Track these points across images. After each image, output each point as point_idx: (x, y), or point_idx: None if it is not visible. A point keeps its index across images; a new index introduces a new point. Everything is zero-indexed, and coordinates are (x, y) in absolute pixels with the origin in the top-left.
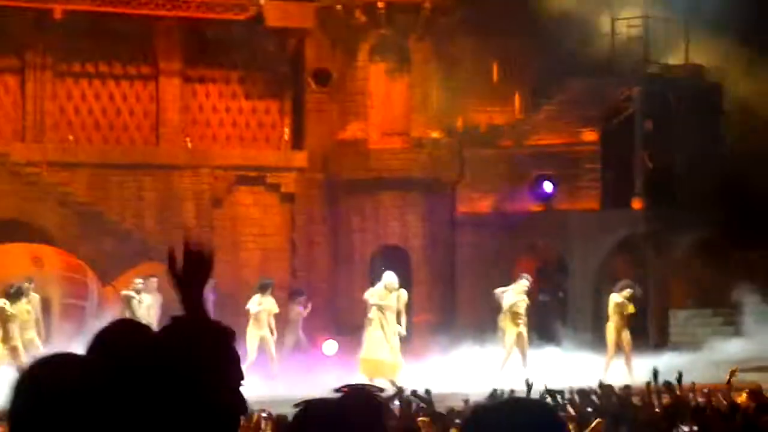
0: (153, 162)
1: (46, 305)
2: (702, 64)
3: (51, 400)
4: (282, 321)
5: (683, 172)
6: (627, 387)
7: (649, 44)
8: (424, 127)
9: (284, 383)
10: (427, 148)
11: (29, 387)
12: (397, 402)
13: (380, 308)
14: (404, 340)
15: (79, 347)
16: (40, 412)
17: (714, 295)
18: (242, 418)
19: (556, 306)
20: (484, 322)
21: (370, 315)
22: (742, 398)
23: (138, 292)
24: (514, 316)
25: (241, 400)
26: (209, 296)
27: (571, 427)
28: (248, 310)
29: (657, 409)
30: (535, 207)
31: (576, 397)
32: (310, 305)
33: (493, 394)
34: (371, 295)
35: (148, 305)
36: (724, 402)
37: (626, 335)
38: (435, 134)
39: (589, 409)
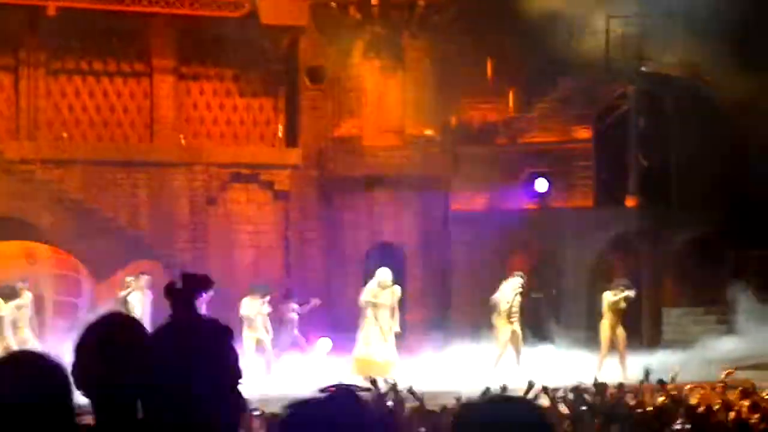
0: (147, 159)
1: (39, 303)
2: (696, 62)
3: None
4: (277, 320)
5: (677, 170)
6: (621, 385)
7: (644, 42)
8: (418, 125)
9: (279, 382)
10: (421, 146)
11: None
12: (390, 401)
13: (374, 305)
14: (398, 338)
15: (72, 344)
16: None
17: (707, 294)
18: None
19: (549, 304)
20: (477, 319)
21: (365, 313)
22: (735, 396)
23: (129, 291)
24: (509, 314)
25: (239, 399)
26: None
27: (565, 425)
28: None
29: (650, 408)
30: (528, 204)
31: (569, 396)
32: (315, 301)
33: (486, 392)
34: (366, 292)
35: (139, 301)
36: (717, 400)
37: (621, 333)
38: (429, 132)
39: (583, 408)
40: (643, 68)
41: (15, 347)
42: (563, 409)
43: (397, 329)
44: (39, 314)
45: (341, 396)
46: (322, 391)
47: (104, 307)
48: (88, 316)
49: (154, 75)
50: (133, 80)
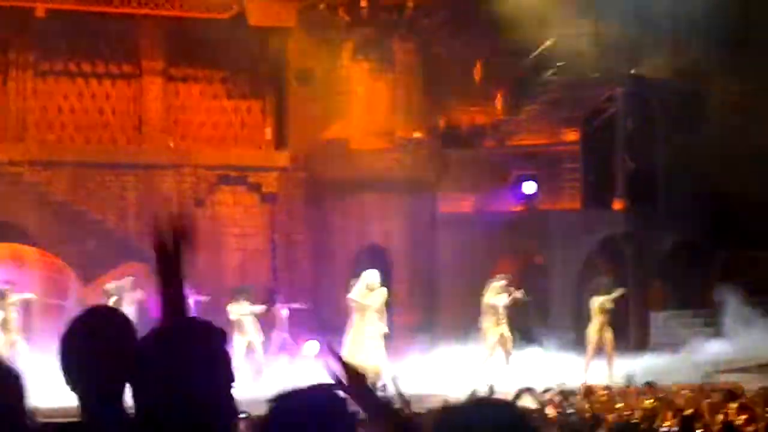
0: (135, 161)
1: (26, 305)
2: (684, 65)
3: None
4: (267, 323)
5: (664, 173)
6: (607, 388)
7: (632, 45)
8: (407, 127)
9: (267, 384)
10: (409, 148)
11: None
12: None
13: (362, 308)
14: (386, 340)
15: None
16: None
17: (694, 296)
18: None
19: (537, 306)
20: (465, 322)
21: (353, 316)
22: (722, 399)
23: (109, 295)
24: (496, 316)
25: (232, 402)
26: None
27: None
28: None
29: (637, 410)
30: (516, 207)
31: (556, 398)
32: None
33: (472, 394)
34: (353, 295)
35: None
36: (704, 402)
37: (608, 335)
38: (417, 134)
39: (570, 410)
40: (631, 71)
41: (4, 350)
42: (551, 411)
43: (386, 330)
44: (26, 317)
45: (320, 393)
46: (301, 390)
47: None
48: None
49: (142, 77)
50: (122, 82)
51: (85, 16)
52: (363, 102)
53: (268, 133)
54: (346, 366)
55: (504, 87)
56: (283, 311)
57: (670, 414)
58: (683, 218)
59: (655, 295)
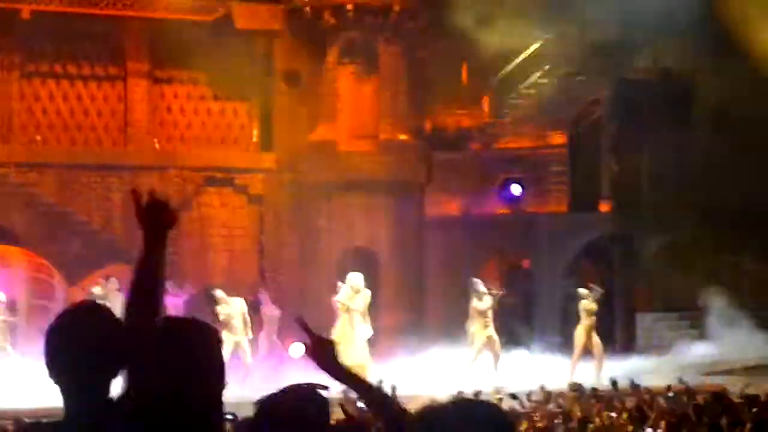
0: (121, 163)
1: (12, 306)
2: (671, 67)
3: None
4: (256, 324)
5: (651, 175)
6: (594, 389)
7: (618, 48)
8: (393, 130)
9: (254, 386)
10: (395, 151)
11: None
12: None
13: (348, 310)
14: (372, 342)
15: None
16: None
17: (680, 299)
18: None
19: (523, 309)
20: (452, 324)
21: (338, 318)
22: (708, 401)
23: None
24: (482, 319)
25: (220, 404)
26: (180, 295)
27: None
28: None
29: (623, 413)
30: (503, 210)
31: (542, 400)
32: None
33: (457, 396)
34: (339, 298)
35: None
36: (690, 404)
37: (595, 338)
38: (403, 137)
39: (555, 412)
40: (617, 74)
41: None
42: (536, 414)
43: (370, 333)
44: (12, 317)
45: (303, 393)
46: (284, 390)
47: None
48: None
49: (128, 78)
50: (107, 84)
51: (71, 18)
52: (349, 105)
53: (255, 135)
54: (315, 337)
55: (490, 90)
56: (268, 313)
57: (655, 416)
58: (670, 221)
59: (641, 298)
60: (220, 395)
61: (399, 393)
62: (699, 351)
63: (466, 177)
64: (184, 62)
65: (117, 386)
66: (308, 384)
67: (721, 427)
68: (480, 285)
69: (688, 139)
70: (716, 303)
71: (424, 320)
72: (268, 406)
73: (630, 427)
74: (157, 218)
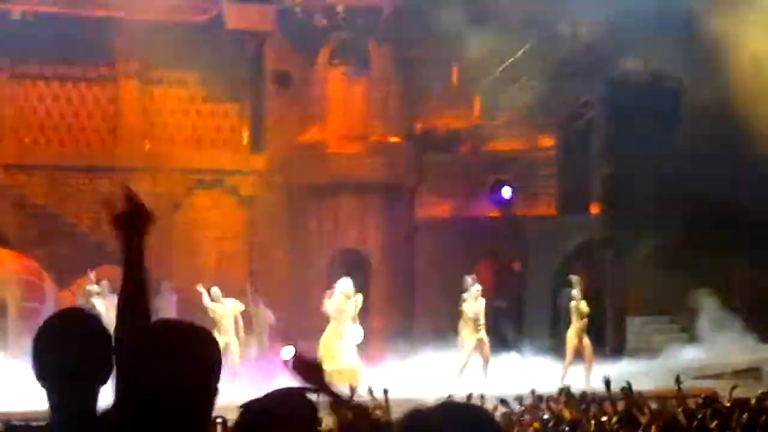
0: (111, 165)
1: (2, 308)
2: (661, 69)
3: None
4: (246, 326)
5: (641, 178)
6: (584, 394)
7: (608, 50)
8: (383, 132)
9: (244, 389)
10: (385, 153)
11: None
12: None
13: (339, 315)
14: (362, 346)
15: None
16: None
17: (671, 302)
18: None
19: (513, 312)
20: (442, 327)
21: (329, 324)
22: (698, 405)
23: (93, 295)
24: (474, 322)
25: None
26: (171, 297)
27: None
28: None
29: (614, 416)
30: (493, 212)
31: (533, 404)
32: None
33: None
34: (331, 304)
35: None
36: (680, 409)
37: (586, 341)
38: (394, 139)
39: (546, 416)
40: (606, 75)
41: None
42: (526, 418)
43: (360, 336)
44: (2, 320)
45: (290, 397)
46: (271, 393)
47: None
48: None
49: (118, 80)
50: (98, 85)
51: (61, 19)
52: (340, 106)
53: (245, 136)
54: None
55: (480, 92)
56: (267, 314)
57: (645, 420)
58: (660, 224)
59: (631, 301)
60: (212, 401)
61: (390, 397)
62: (689, 354)
63: (456, 179)
64: (174, 63)
65: (107, 394)
66: (297, 388)
67: (710, 430)
68: (473, 284)
69: (678, 141)
70: (706, 306)
71: (415, 323)
72: (253, 410)
73: (620, 431)
74: (133, 223)
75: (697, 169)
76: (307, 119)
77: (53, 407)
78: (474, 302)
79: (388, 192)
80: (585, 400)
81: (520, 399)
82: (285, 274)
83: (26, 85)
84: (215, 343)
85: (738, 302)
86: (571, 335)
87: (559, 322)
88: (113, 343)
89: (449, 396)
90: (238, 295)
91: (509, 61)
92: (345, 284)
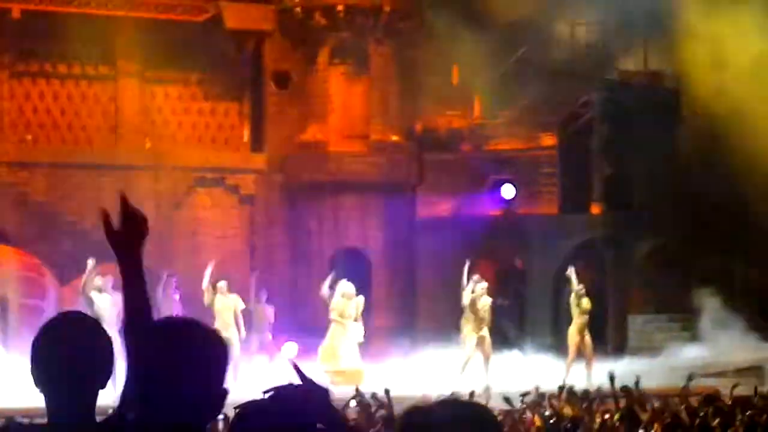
0: (112, 163)
1: (4, 305)
2: (660, 69)
3: None
4: (246, 323)
5: (641, 177)
6: (586, 391)
7: (608, 49)
8: (384, 131)
9: (245, 386)
10: (386, 152)
11: None
12: (354, 403)
13: (341, 316)
14: (364, 344)
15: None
16: None
17: (672, 301)
18: None
19: (515, 310)
20: (444, 325)
21: (332, 325)
22: (699, 403)
23: (99, 290)
24: (478, 319)
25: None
26: (174, 295)
27: (532, 430)
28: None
29: (615, 414)
30: (494, 211)
31: (535, 401)
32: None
33: (445, 397)
34: (333, 307)
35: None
36: (682, 407)
37: (587, 338)
38: (394, 137)
39: (547, 413)
40: (607, 75)
41: None
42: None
43: (361, 337)
44: (4, 317)
45: (288, 396)
46: (267, 392)
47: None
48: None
49: (119, 78)
50: (98, 83)
51: (61, 18)
52: (340, 105)
53: (245, 135)
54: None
55: (481, 91)
56: (268, 310)
57: (647, 417)
58: (661, 222)
59: (632, 299)
60: (221, 402)
61: (392, 395)
62: (691, 353)
63: (457, 178)
64: (174, 62)
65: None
66: (297, 386)
67: (712, 429)
68: (478, 281)
69: (679, 140)
70: (708, 305)
71: (416, 321)
72: (250, 413)
73: (622, 429)
74: (128, 241)
75: (697, 168)
76: (307, 118)
77: (49, 409)
78: (478, 300)
79: (389, 191)
80: (587, 397)
81: (523, 396)
82: (286, 273)
83: (27, 82)
84: (224, 342)
85: (740, 301)
86: (572, 332)
87: (560, 320)
88: (112, 347)
89: (452, 394)
90: (239, 293)
91: (510, 60)
92: (346, 286)
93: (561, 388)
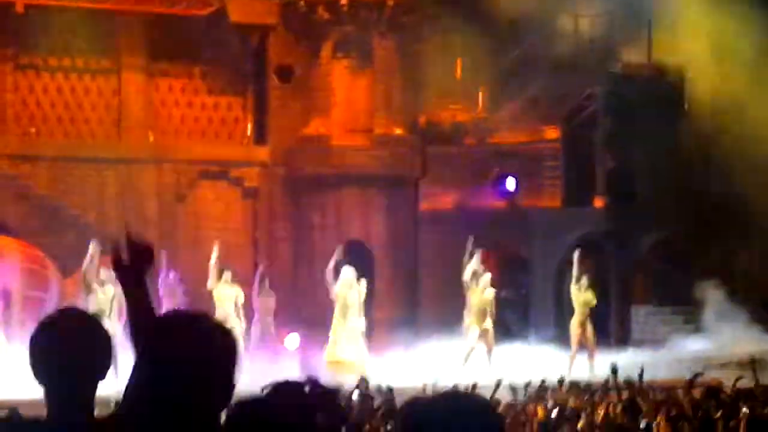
0: (115, 156)
1: (6, 297)
2: (664, 62)
3: None
4: (248, 314)
5: (645, 170)
6: (588, 383)
7: (612, 43)
8: (387, 124)
9: (248, 378)
10: (389, 145)
11: None
12: (356, 396)
13: (343, 305)
14: (366, 336)
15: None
16: None
17: (675, 293)
18: None
19: (518, 302)
20: (447, 317)
21: (334, 313)
22: (703, 395)
23: (102, 283)
24: (482, 312)
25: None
26: (177, 289)
27: (534, 422)
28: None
29: (617, 405)
30: (497, 204)
31: (537, 393)
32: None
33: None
34: (335, 294)
35: (113, 296)
36: (684, 398)
37: (589, 330)
38: (398, 131)
39: (550, 405)
40: (611, 69)
41: None
42: (531, 406)
43: (362, 328)
44: (7, 309)
45: (285, 394)
46: (265, 389)
47: (71, 303)
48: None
49: (122, 72)
50: (102, 77)
51: (65, 11)
52: (343, 99)
53: (249, 128)
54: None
55: (485, 84)
56: (270, 300)
57: (648, 408)
58: (664, 215)
59: (636, 292)
60: (228, 397)
61: (395, 387)
62: (694, 345)
63: (460, 171)
64: (178, 56)
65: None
66: (296, 382)
67: (714, 421)
68: (483, 273)
69: (682, 133)
70: (711, 297)
71: (419, 314)
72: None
73: (624, 420)
74: (137, 264)
75: (700, 161)
76: (310, 112)
77: (48, 404)
78: (482, 292)
79: (392, 184)
80: (589, 389)
81: (526, 387)
82: (289, 266)
83: (30, 76)
84: (232, 335)
85: (743, 293)
86: (575, 324)
87: (563, 312)
88: (110, 343)
89: (455, 386)
90: (242, 286)
91: (513, 53)
92: (347, 272)
93: (561, 381)
